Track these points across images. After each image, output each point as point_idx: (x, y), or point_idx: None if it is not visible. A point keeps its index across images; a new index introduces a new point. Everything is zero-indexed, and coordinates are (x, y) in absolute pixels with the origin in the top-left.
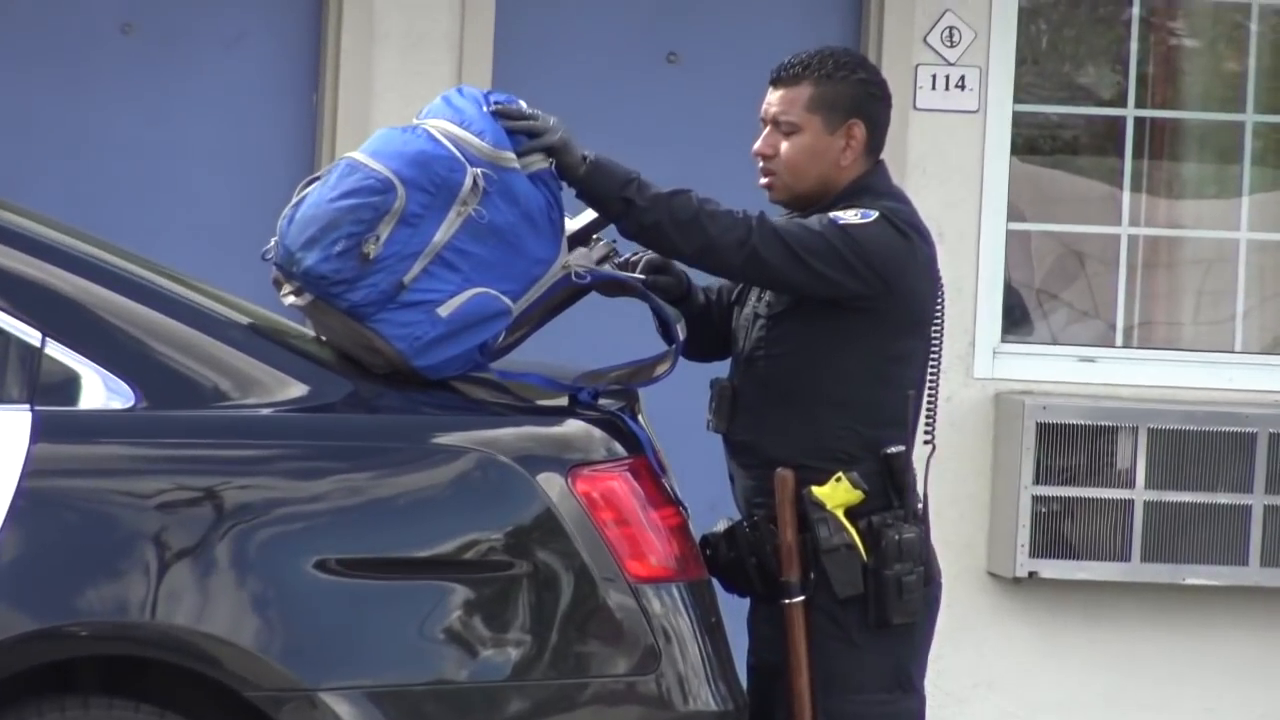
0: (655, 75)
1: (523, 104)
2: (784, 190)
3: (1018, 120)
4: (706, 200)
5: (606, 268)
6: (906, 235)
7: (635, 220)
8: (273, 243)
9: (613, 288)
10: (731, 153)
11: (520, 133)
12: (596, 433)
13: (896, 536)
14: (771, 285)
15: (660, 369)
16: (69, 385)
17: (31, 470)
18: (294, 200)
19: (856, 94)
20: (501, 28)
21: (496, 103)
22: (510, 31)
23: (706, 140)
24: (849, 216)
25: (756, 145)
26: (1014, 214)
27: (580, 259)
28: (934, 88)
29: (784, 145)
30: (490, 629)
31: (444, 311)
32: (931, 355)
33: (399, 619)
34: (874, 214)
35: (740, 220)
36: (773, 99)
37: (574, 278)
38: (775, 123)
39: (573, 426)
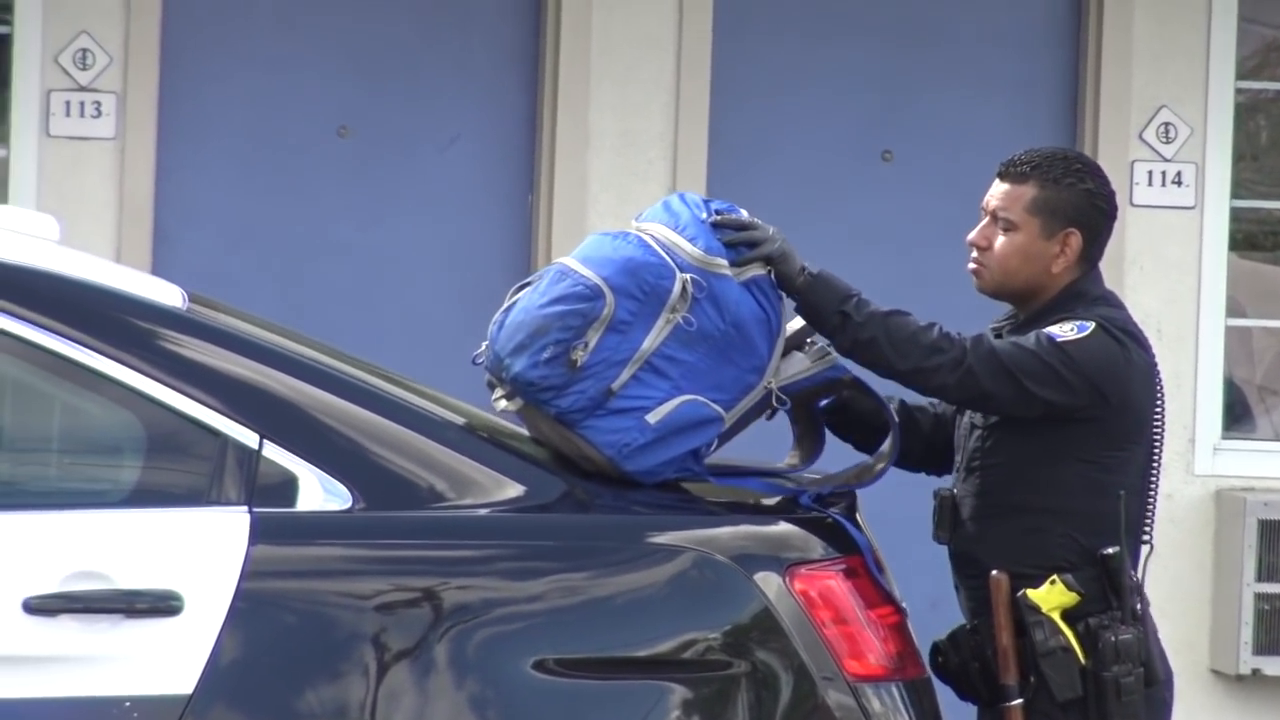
0: (870, 173)
1: (744, 213)
2: (992, 284)
3: (1236, 215)
4: (925, 323)
5: (815, 370)
6: (1124, 344)
7: (851, 335)
8: (483, 347)
9: (824, 388)
10: (945, 249)
11: (739, 243)
12: (813, 532)
13: (1114, 638)
14: (985, 406)
15: (881, 464)
16: (286, 487)
17: (250, 571)
18: (505, 305)
19: (1080, 204)
20: (715, 127)
21: (717, 211)
22: (724, 130)
23: (921, 237)
24: (1066, 332)
25: (972, 234)
26: (1233, 309)
27: (796, 364)
28: (1150, 184)
29: (999, 240)
30: None
31: (653, 419)
32: (1153, 457)
33: (618, 719)
34: (1090, 325)
35: (956, 341)
36: (996, 192)
37: (775, 401)
38: (994, 216)
39: (789, 526)
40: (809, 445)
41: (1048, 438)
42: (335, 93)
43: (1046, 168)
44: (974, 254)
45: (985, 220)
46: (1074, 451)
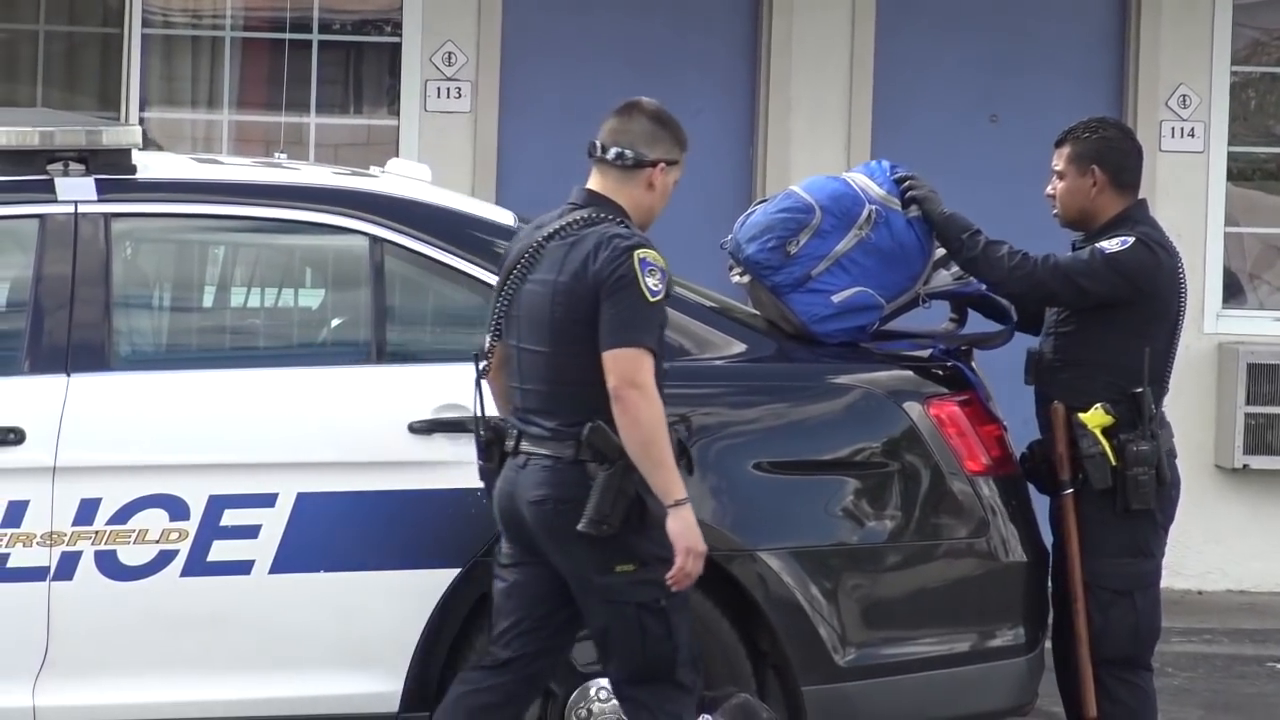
0: (981, 134)
1: (917, 176)
2: (1063, 218)
3: (1232, 157)
4: (1014, 250)
5: (951, 285)
6: (1155, 252)
7: (963, 255)
8: (729, 237)
9: (961, 298)
10: (1040, 194)
11: (905, 189)
12: (943, 375)
13: (1135, 449)
14: (1053, 302)
15: (998, 340)
16: None
17: None
18: (748, 211)
19: (1098, 147)
20: (878, 101)
21: (896, 170)
22: (884, 104)
23: (1024, 183)
24: (1112, 245)
25: (1047, 190)
26: (1230, 221)
27: (941, 279)
28: (1173, 136)
29: (1060, 186)
30: (873, 508)
31: (836, 299)
32: (1176, 329)
33: (810, 502)
34: (1131, 239)
35: (1030, 260)
36: (1053, 157)
37: (920, 301)
38: (1054, 173)
39: (927, 371)
40: (959, 319)
41: (1102, 315)
42: (617, 78)
43: (1076, 130)
44: (1052, 204)
45: (1053, 178)
46: (1118, 324)
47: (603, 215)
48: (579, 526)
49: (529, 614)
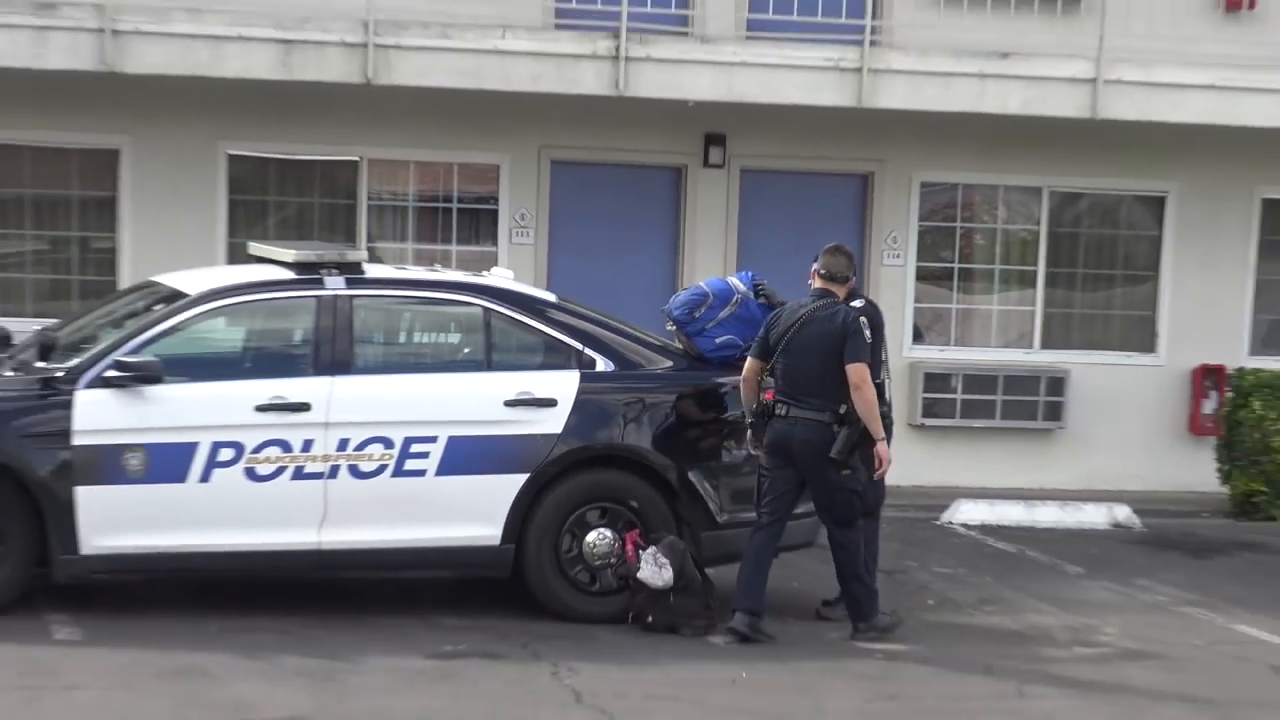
0: (787, 258)
1: (765, 282)
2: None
3: (919, 270)
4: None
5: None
6: (875, 307)
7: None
8: (666, 306)
9: None
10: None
11: (758, 289)
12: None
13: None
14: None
15: None
16: (592, 363)
17: (579, 391)
18: (675, 294)
19: (849, 262)
20: (740, 242)
21: (756, 277)
22: (743, 244)
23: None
24: (858, 304)
25: (811, 279)
26: (916, 299)
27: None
28: (887, 258)
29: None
30: (736, 443)
31: (718, 341)
32: (884, 361)
33: (709, 439)
34: (862, 301)
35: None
36: (819, 261)
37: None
38: (817, 273)
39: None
40: None
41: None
42: (605, 230)
43: (836, 248)
44: (810, 280)
45: (814, 276)
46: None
47: (834, 301)
48: (831, 454)
49: (778, 494)
